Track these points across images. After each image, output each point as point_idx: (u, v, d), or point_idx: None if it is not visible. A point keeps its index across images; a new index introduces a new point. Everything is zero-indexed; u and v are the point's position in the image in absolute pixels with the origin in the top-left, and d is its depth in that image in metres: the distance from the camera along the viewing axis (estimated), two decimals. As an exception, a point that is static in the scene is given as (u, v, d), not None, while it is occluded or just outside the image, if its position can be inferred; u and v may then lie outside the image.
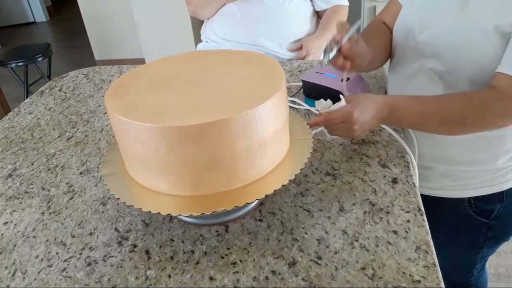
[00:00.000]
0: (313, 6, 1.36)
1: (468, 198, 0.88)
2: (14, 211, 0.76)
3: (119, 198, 0.62)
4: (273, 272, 0.59)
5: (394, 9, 0.91)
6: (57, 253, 0.66)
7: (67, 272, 0.62)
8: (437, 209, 0.92)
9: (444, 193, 0.90)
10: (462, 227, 0.93)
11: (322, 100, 0.73)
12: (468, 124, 0.71)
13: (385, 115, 0.71)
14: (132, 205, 0.60)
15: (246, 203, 0.59)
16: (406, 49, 0.87)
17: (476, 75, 0.74)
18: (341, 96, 0.70)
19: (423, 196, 0.87)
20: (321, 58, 0.73)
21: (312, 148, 0.68)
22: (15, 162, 0.90)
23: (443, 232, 0.92)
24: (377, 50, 0.87)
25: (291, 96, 1.01)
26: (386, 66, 0.97)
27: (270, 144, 0.62)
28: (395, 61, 0.92)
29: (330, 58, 0.76)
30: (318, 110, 0.73)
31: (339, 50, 0.74)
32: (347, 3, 1.40)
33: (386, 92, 1.00)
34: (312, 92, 0.98)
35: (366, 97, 0.70)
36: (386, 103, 0.71)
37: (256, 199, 0.59)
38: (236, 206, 0.58)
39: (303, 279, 0.57)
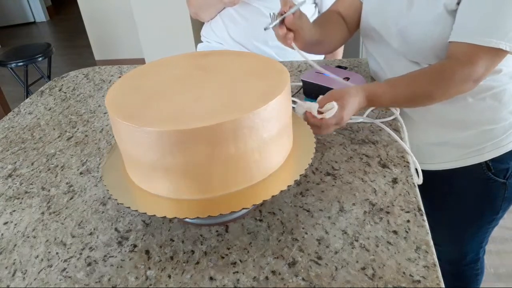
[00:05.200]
0: (315, 9, 1.36)
1: (486, 161, 0.92)
2: (14, 211, 0.76)
3: (116, 199, 0.62)
4: (273, 272, 0.59)
5: (347, 1, 1.00)
6: (57, 253, 0.66)
7: (67, 272, 0.62)
8: (457, 180, 0.97)
9: (463, 162, 0.94)
10: (481, 192, 0.98)
11: (302, 102, 0.77)
12: (435, 96, 0.78)
13: (364, 105, 0.78)
14: (129, 207, 0.60)
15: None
16: (375, 46, 0.95)
17: (444, 52, 0.80)
18: (334, 104, 0.73)
19: (442, 171, 0.95)
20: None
21: (313, 150, 0.68)
22: (15, 162, 0.90)
23: (463, 204, 1.00)
24: (329, 36, 0.95)
25: (291, 96, 1.01)
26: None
27: (272, 146, 0.61)
28: (368, 54, 1.01)
29: (273, 25, 0.82)
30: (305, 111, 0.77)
31: (282, 21, 0.81)
32: None
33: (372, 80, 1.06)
34: (312, 92, 0.98)
35: (349, 95, 0.75)
36: (365, 96, 0.77)
37: (253, 205, 0.59)
38: (232, 212, 0.58)
39: (303, 279, 0.57)
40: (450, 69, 0.75)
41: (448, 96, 0.79)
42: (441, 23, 0.78)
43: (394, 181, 0.73)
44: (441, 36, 0.78)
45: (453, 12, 0.76)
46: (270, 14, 0.82)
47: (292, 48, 0.86)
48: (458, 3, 0.75)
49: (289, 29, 0.82)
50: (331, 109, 0.72)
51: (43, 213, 0.74)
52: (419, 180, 0.75)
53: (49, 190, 0.80)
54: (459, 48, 0.75)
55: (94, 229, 0.69)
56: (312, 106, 0.74)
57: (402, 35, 0.85)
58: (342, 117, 0.73)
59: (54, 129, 1.02)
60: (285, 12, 0.80)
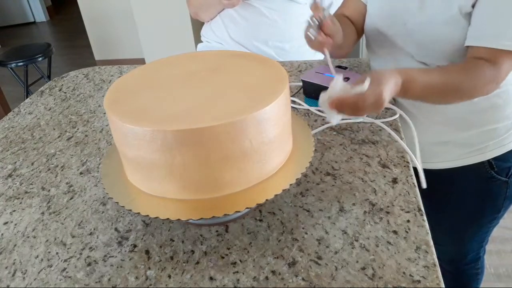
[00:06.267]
0: None
1: (488, 160, 0.92)
2: (14, 211, 0.76)
3: (114, 199, 0.62)
4: (273, 272, 0.59)
5: (352, 5, 1.01)
6: (57, 253, 0.66)
7: (67, 272, 0.62)
8: (458, 179, 0.97)
9: (465, 161, 0.94)
10: (483, 191, 0.98)
11: (336, 81, 0.70)
12: (463, 88, 0.77)
13: (399, 87, 0.72)
14: (128, 208, 0.60)
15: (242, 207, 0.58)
16: (381, 46, 0.95)
17: (453, 54, 0.80)
18: (366, 80, 0.67)
19: (444, 170, 0.95)
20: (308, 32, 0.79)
21: (313, 151, 0.68)
22: (15, 162, 0.90)
23: (465, 203, 1.00)
24: (346, 39, 0.94)
25: (291, 96, 1.01)
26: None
27: (271, 148, 0.61)
28: (372, 53, 1.01)
29: (315, 30, 0.79)
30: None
31: (320, 27, 0.79)
32: None
33: None
34: (312, 92, 0.98)
35: (388, 74, 0.71)
36: (401, 78, 0.73)
37: (246, 208, 0.58)
38: (225, 214, 0.57)
39: (303, 279, 0.57)
40: (481, 66, 0.74)
41: (473, 94, 0.78)
42: (453, 25, 0.77)
43: (394, 181, 0.73)
44: (452, 37, 0.78)
45: (467, 15, 0.75)
46: (309, 21, 0.78)
47: (324, 53, 0.83)
48: (473, 6, 0.74)
49: (326, 34, 0.79)
50: (363, 85, 0.66)
51: (43, 213, 0.74)
52: (423, 184, 0.75)
53: (49, 190, 0.80)
54: (480, 52, 0.74)
55: (94, 229, 0.69)
56: (338, 80, 0.67)
57: (410, 35, 0.84)
58: (381, 93, 0.66)
59: (54, 129, 1.02)
60: (319, 17, 0.77)
